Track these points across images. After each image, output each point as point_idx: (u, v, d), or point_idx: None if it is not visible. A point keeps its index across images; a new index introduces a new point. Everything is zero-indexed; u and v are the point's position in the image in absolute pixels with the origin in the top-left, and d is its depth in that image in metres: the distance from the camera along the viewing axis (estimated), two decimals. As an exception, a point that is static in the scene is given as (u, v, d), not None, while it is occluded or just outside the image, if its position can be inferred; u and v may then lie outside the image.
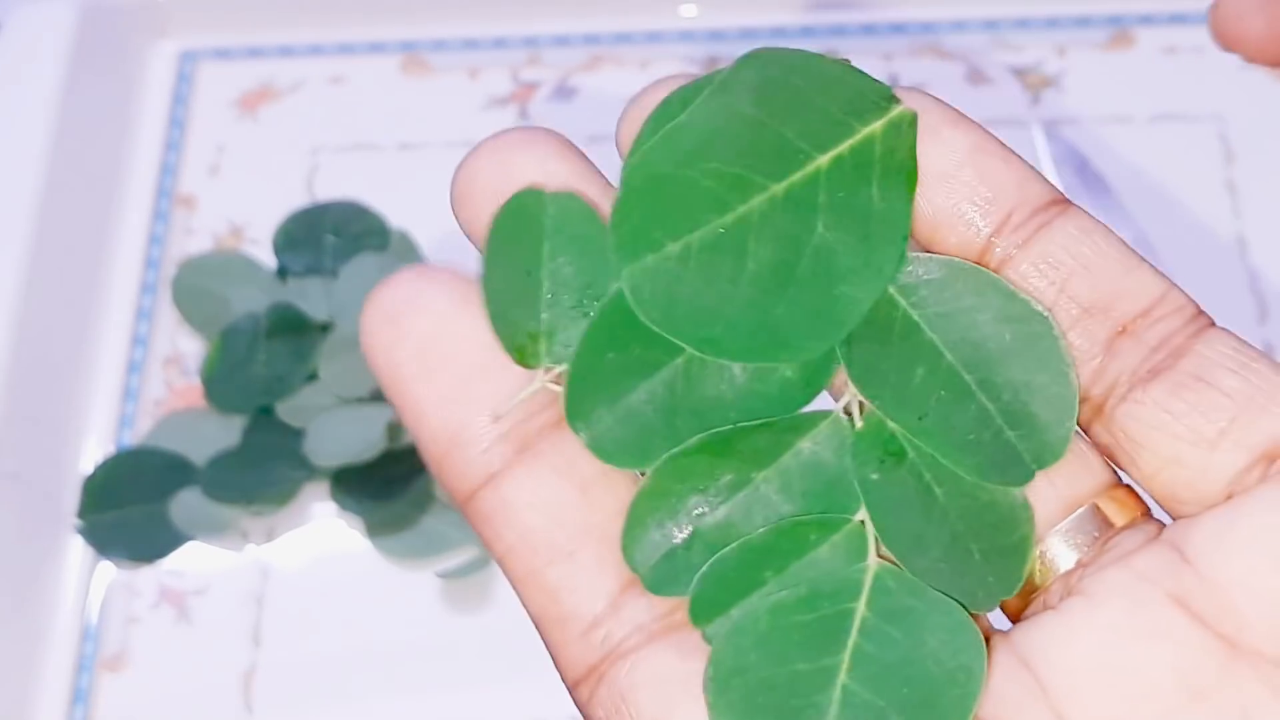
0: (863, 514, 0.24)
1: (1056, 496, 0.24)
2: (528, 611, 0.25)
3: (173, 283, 0.61)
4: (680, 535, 0.24)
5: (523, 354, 0.24)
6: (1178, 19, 0.66)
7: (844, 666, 0.23)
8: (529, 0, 0.67)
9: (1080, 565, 0.24)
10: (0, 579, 0.54)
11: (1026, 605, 0.25)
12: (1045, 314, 0.24)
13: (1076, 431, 0.24)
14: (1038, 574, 0.24)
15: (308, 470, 0.56)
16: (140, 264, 0.62)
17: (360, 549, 0.55)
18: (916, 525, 0.24)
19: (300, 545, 0.56)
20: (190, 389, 0.59)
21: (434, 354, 0.25)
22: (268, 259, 0.61)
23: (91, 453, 0.58)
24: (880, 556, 0.24)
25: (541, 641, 0.25)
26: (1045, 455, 0.24)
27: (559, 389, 0.24)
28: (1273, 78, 0.64)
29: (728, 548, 0.24)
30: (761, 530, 0.24)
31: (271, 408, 0.57)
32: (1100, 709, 0.23)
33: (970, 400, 0.24)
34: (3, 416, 0.55)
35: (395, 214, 0.62)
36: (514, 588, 0.25)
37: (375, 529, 0.56)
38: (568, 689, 0.24)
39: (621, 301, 0.24)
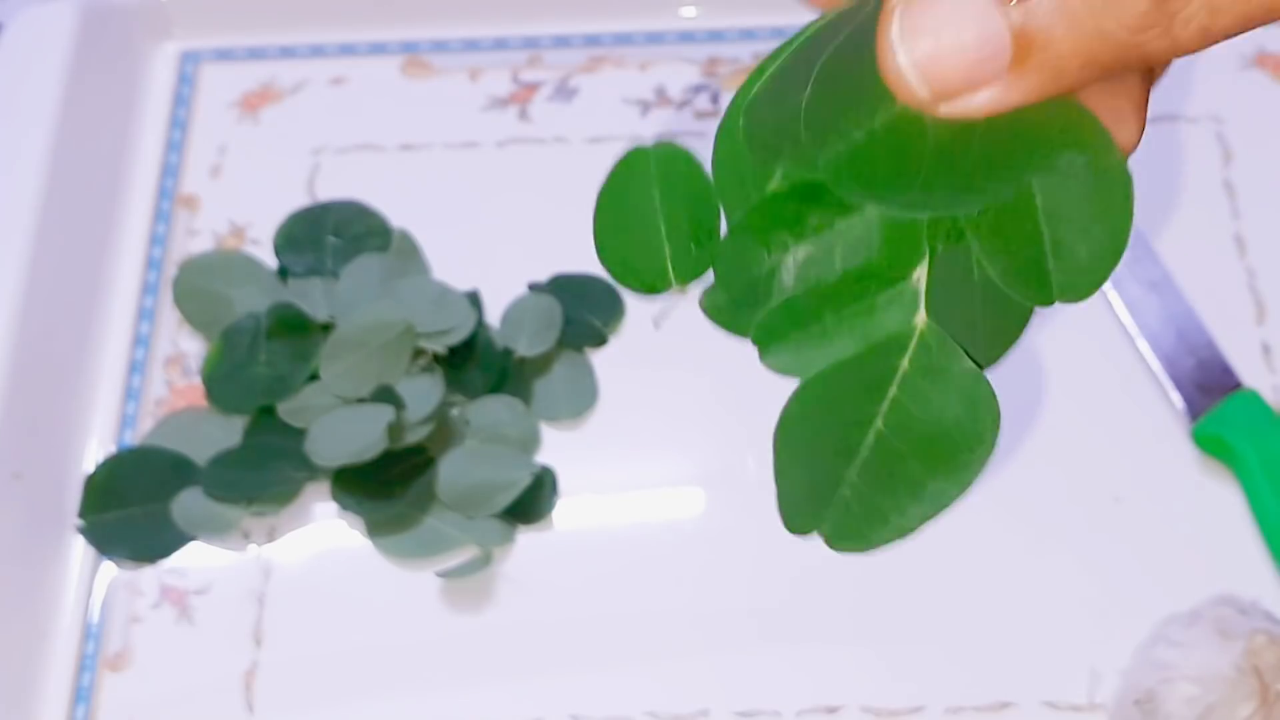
0: (919, 276, 0.27)
1: None
2: None
3: (174, 283, 0.61)
4: (767, 264, 0.27)
5: (655, 286, 0.29)
6: (1176, 20, 0.66)
7: (882, 412, 0.27)
8: (529, 1, 0.67)
9: None
10: (3, 578, 0.54)
11: None
12: (1129, 177, 0.26)
13: None
14: None
15: (309, 470, 0.56)
16: (142, 264, 0.62)
17: (360, 549, 0.56)
18: (953, 296, 0.27)
19: (301, 545, 0.56)
20: (192, 389, 0.59)
21: None
22: (269, 259, 0.61)
23: (93, 453, 0.58)
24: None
25: None
26: (1071, 293, 0.26)
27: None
28: (1272, 79, 0.64)
29: (795, 293, 0.27)
30: (830, 280, 0.27)
31: (273, 408, 0.57)
32: None
33: (1031, 218, 0.26)
34: (5, 417, 0.55)
35: (396, 214, 0.62)
36: None
37: (375, 529, 0.56)
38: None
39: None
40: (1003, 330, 0.27)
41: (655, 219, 0.29)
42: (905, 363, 0.27)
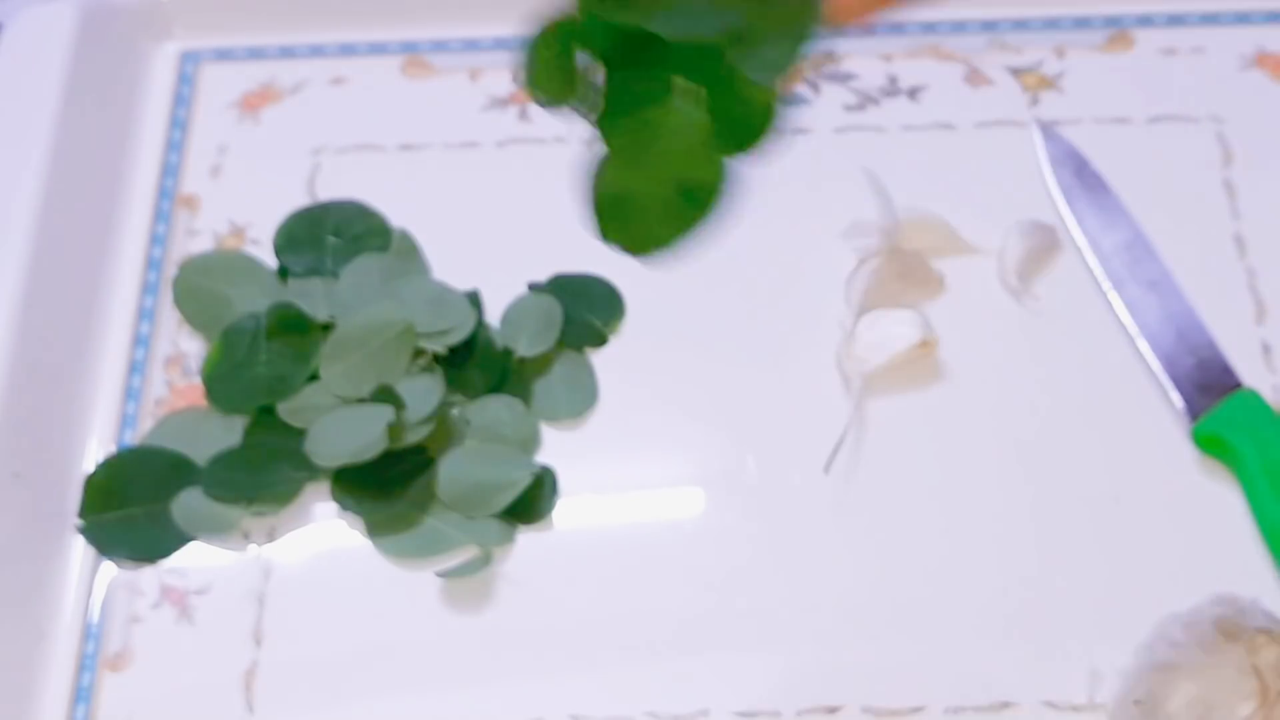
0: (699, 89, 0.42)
1: None
2: None
3: (174, 283, 0.61)
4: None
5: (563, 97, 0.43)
6: (1176, 20, 0.66)
7: (671, 172, 0.42)
8: (529, 1, 0.67)
9: None
10: (3, 578, 0.54)
11: None
12: (812, 27, 0.41)
13: None
14: None
15: (309, 470, 0.56)
16: (142, 264, 0.62)
17: (360, 549, 0.56)
18: (721, 98, 0.41)
19: (301, 545, 0.56)
20: (192, 389, 0.59)
21: None
22: (269, 259, 0.61)
23: (93, 453, 0.58)
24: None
25: None
26: (767, 74, 0.42)
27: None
28: (1271, 79, 0.64)
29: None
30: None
31: (273, 408, 0.57)
32: None
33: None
34: (5, 417, 0.55)
35: (396, 214, 0.62)
36: None
37: (375, 529, 0.56)
38: None
39: None
40: (753, 122, 0.41)
41: (571, 59, 0.43)
42: (687, 145, 0.41)
